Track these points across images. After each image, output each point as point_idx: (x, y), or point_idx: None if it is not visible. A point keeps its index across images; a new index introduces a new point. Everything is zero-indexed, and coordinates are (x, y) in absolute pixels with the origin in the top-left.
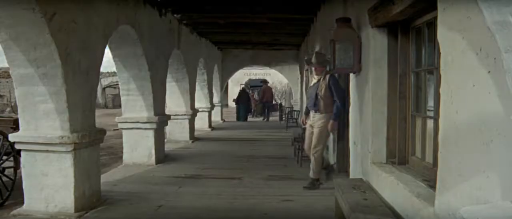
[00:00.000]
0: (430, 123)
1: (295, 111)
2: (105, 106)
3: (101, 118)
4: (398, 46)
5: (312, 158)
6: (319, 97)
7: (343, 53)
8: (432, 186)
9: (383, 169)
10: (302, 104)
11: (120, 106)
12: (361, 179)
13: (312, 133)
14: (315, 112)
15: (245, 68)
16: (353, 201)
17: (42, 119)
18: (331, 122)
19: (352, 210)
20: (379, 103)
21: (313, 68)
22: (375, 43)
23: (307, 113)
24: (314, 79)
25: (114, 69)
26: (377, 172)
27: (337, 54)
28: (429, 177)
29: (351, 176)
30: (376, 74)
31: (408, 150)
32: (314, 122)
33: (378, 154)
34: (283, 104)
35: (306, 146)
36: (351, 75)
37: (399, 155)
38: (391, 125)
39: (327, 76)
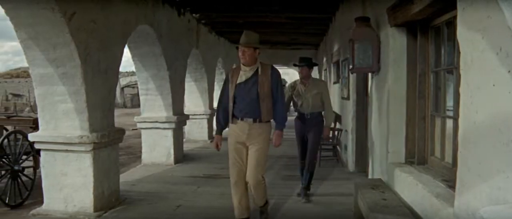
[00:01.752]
0: (449, 123)
1: None
2: (124, 106)
3: (119, 118)
4: (417, 45)
5: (255, 189)
6: (260, 98)
7: (362, 53)
8: (452, 186)
9: (402, 169)
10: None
11: (138, 106)
12: (380, 179)
13: (243, 151)
14: (254, 120)
15: None
16: (372, 201)
17: (61, 119)
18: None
19: (371, 210)
20: (398, 103)
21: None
22: (394, 43)
23: (223, 124)
24: (243, 73)
25: (132, 69)
26: (396, 172)
27: (356, 53)
28: (448, 177)
29: (369, 176)
30: (395, 74)
31: (427, 150)
32: (251, 135)
33: (397, 154)
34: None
35: (236, 175)
36: (370, 75)
37: (418, 155)
38: (410, 125)
39: (268, 68)
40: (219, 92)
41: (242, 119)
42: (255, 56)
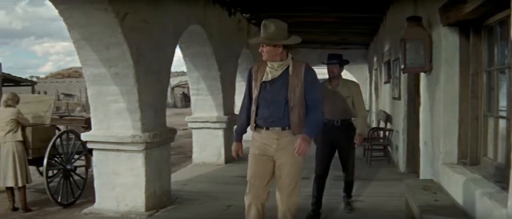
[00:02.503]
0: (502, 123)
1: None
2: (174, 105)
3: (170, 118)
4: (470, 45)
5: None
6: (290, 104)
7: (413, 53)
8: (505, 187)
9: (454, 170)
10: (372, 106)
11: (188, 106)
12: (431, 180)
13: (269, 166)
14: (282, 128)
15: (313, 67)
16: (424, 202)
17: (114, 118)
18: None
19: (422, 211)
20: (451, 103)
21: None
22: (446, 42)
23: (241, 131)
24: (270, 70)
25: (183, 68)
26: (448, 172)
27: (408, 53)
28: (501, 178)
29: (421, 177)
30: (447, 74)
31: (479, 150)
32: (281, 146)
33: (449, 155)
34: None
35: (252, 196)
36: (422, 75)
37: (470, 155)
38: (463, 125)
39: (301, 67)
40: None
41: (267, 128)
42: (276, 53)
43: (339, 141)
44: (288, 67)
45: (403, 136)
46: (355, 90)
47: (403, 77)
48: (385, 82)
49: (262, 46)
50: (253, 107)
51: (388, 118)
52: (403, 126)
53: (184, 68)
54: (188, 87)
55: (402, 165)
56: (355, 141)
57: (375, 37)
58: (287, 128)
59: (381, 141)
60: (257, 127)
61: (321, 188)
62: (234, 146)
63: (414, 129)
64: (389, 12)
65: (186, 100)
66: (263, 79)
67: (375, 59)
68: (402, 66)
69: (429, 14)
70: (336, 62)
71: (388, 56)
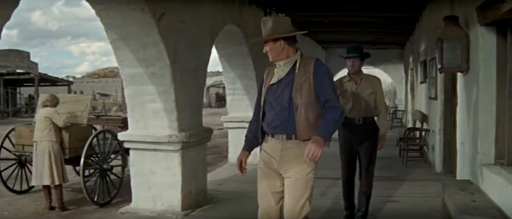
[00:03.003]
0: None
1: (399, 110)
2: (209, 105)
3: (205, 117)
4: (508, 44)
5: None
6: (294, 105)
7: (450, 52)
8: None
9: (491, 170)
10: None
11: (221, 106)
12: (468, 180)
13: (277, 181)
14: (288, 137)
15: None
16: (461, 202)
17: (150, 118)
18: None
19: (460, 212)
20: (488, 103)
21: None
22: (484, 42)
23: (252, 138)
24: (277, 71)
25: (218, 68)
26: (485, 173)
27: (445, 53)
28: None
29: (458, 177)
30: (484, 74)
31: None
32: (285, 159)
33: (487, 155)
34: (387, 103)
35: (263, 212)
36: (459, 75)
37: (508, 156)
38: (500, 125)
39: (310, 63)
40: None
41: (272, 136)
42: (279, 51)
43: (360, 142)
44: (295, 65)
45: (439, 136)
46: (378, 87)
47: (440, 77)
48: (421, 82)
49: (266, 46)
50: (261, 114)
51: (424, 118)
52: (439, 126)
53: (219, 68)
54: (222, 87)
55: (438, 165)
56: (378, 145)
57: (411, 36)
58: (293, 136)
59: (417, 141)
60: (263, 133)
61: (350, 190)
62: (239, 156)
63: (451, 129)
64: (425, 11)
65: (219, 100)
66: (270, 82)
67: (411, 59)
68: (439, 66)
69: (466, 13)
70: (357, 55)
71: (424, 56)
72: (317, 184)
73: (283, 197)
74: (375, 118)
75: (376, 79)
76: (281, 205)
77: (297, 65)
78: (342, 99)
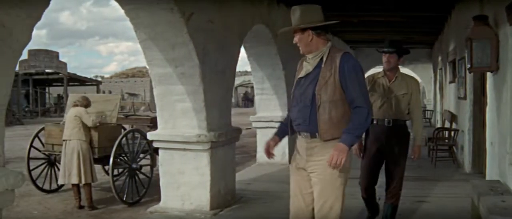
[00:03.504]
0: None
1: (428, 110)
2: (237, 105)
3: (234, 117)
4: None
5: None
6: (317, 102)
7: (480, 52)
8: None
9: None
10: (436, 105)
11: (248, 105)
12: (498, 180)
13: (307, 181)
14: (311, 135)
15: (377, 67)
16: (491, 203)
17: (179, 118)
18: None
19: (489, 212)
20: None
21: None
22: None
23: (282, 129)
24: (305, 64)
25: (245, 68)
26: None
27: (474, 52)
28: None
29: (487, 178)
30: None
31: None
32: (309, 157)
33: None
34: None
35: (294, 214)
36: (488, 74)
37: None
38: None
39: (337, 56)
40: None
41: (299, 133)
42: (307, 42)
43: (389, 146)
44: (322, 58)
45: (468, 136)
46: (415, 88)
47: (469, 76)
48: (450, 82)
49: (295, 37)
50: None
51: (453, 118)
52: (468, 126)
53: (247, 68)
54: (250, 87)
55: (467, 165)
56: (411, 154)
57: (440, 36)
58: (316, 134)
59: (446, 141)
60: (293, 132)
61: (369, 201)
62: (268, 140)
63: (480, 129)
64: (454, 11)
65: (246, 100)
66: (299, 75)
67: (439, 58)
68: (469, 66)
69: (496, 13)
70: (393, 51)
71: (453, 55)
72: (349, 184)
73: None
74: (408, 123)
75: (413, 80)
76: (313, 208)
77: (324, 58)
78: (372, 96)
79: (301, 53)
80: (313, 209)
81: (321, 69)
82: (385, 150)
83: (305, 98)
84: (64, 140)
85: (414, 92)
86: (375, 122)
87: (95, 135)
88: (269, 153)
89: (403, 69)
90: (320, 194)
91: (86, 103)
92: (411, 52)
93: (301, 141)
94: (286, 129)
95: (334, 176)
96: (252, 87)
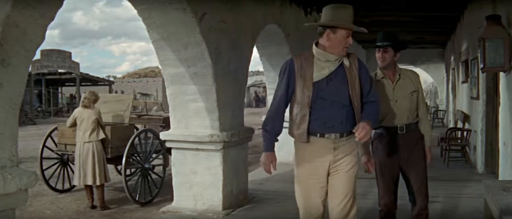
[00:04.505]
0: None
1: (440, 110)
2: (249, 105)
3: (246, 117)
4: None
5: None
6: (353, 103)
7: (493, 52)
8: None
9: None
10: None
11: (258, 105)
12: (511, 181)
13: (325, 189)
14: (341, 135)
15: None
16: (504, 203)
17: (192, 118)
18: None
19: (503, 213)
20: None
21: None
22: None
23: (275, 139)
24: (324, 64)
25: (257, 68)
26: None
27: (487, 52)
28: None
29: (500, 178)
30: None
31: None
32: (338, 156)
33: None
34: (428, 103)
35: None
36: (501, 74)
37: None
38: None
39: (355, 58)
40: None
41: (322, 135)
42: (349, 42)
43: (407, 156)
44: (342, 60)
45: (481, 136)
46: (420, 83)
47: (482, 76)
48: (463, 82)
49: (349, 37)
50: (305, 111)
51: (466, 118)
52: (481, 126)
53: (259, 68)
54: (262, 87)
55: (480, 165)
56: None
57: (452, 36)
58: (345, 134)
59: (459, 141)
60: (309, 134)
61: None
62: (265, 157)
63: (493, 129)
64: (467, 10)
65: (257, 100)
66: (319, 78)
67: (452, 58)
68: (481, 66)
69: (508, 12)
70: (388, 44)
71: (466, 55)
72: (357, 184)
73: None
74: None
75: (415, 74)
76: (325, 205)
77: (345, 61)
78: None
79: (342, 54)
80: (325, 206)
81: (347, 70)
82: (404, 160)
83: (341, 98)
84: (78, 142)
85: (420, 88)
86: (383, 131)
87: (108, 134)
88: (271, 170)
89: (416, 69)
90: (344, 188)
91: (95, 98)
92: (424, 52)
93: (324, 143)
94: (275, 139)
95: (354, 172)
96: (264, 87)
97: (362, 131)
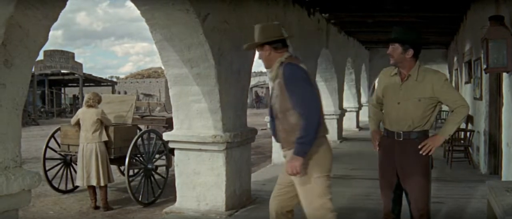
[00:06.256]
0: None
1: (444, 111)
2: (252, 105)
3: (249, 117)
4: None
5: None
6: (277, 114)
7: (496, 52)
8: None
9: None
10: None
11: (258, 107)
12: None
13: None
14: (281, 146)
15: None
16: (507, 204)
17: (195, 118)
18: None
19: (505, 214)
20: None
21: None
22: None
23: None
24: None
25: (260, 69)
26: None
27: (490, 53)
28: None
29: (503, 179)
30: None
31: None
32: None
33: None
34: None
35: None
36: (504, 75)
37: None
38: None
39: (280, 68)
40: (348, 92)
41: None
42: (265, 56)
43: (401, 164)
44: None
45: (484, 137)
46: (440, 86)
47: (485, 77)
48: (466, 83)
49: (258, 51)
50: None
51: (469, 119)
52: (484, 127)
53: (262, 68)
54: (265, 88)
55: (483, 166)
56: (425, 148)
57: (455, 36)
58: (282, 146)
59: (462, 142)
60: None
61: None
62: (375, 134)
63: (496, 130)
64: (470, 11)
65: (256, 101)
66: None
67: (455, 59)
68: (484, 66)
69: (511, 13)
70: (394, 39)
71: (469, 56)
72: (360, 185)
73: None
74: (429, 133)
75: (436, 76)
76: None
77: (274, 72)
78: (383, 100)
79: (267, 66)
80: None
81: (276, 83)
82: (399, 171)
83: (274, 112)
84: (81, 142)
85: (441, 92)
86: (385, 134)
87: (111, 135)
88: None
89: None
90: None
91: (99, 99)
92: (427, 53)
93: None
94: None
95: (300, 181)
96: (267, 87)
97: (290, 169)
